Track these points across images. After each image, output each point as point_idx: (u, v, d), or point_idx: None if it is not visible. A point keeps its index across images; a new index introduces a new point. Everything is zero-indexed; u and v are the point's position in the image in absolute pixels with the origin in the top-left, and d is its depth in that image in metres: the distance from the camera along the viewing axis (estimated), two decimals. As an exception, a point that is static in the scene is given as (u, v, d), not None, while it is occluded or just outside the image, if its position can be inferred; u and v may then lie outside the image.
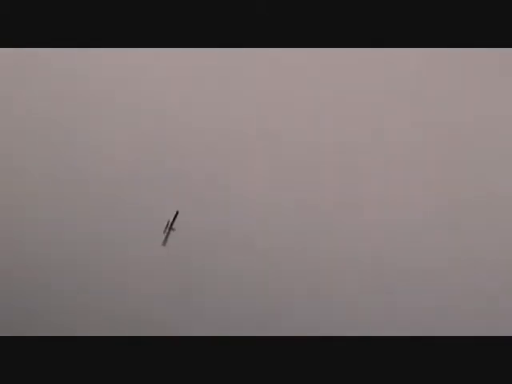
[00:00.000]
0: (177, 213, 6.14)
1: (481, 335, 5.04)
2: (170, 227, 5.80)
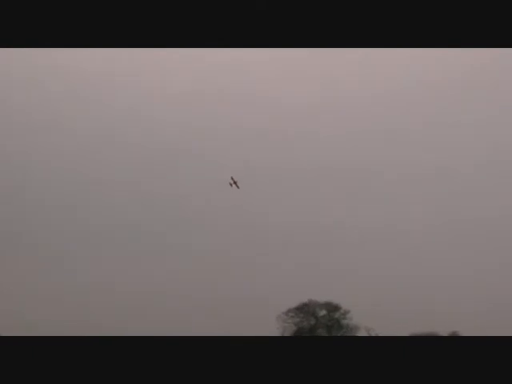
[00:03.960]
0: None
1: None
2: (235, 183, 6.39)
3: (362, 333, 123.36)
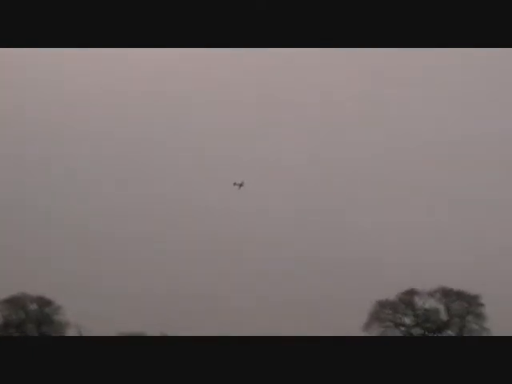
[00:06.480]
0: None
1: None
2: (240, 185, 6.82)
3: (72, 331, 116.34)
